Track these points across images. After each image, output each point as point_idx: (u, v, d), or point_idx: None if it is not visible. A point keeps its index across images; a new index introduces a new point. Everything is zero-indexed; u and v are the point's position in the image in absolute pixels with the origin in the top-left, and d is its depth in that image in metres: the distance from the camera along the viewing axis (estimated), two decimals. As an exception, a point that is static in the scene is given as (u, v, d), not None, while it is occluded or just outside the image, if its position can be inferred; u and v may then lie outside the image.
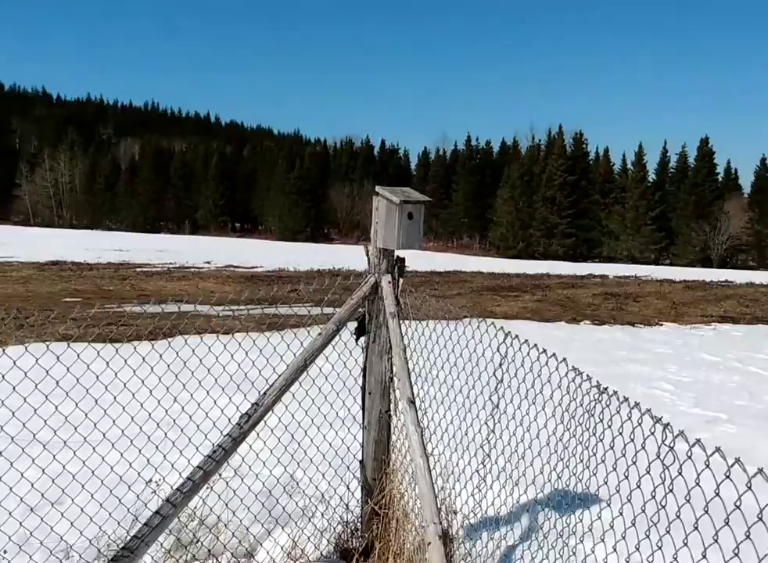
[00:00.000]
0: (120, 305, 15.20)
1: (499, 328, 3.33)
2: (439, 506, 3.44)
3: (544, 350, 2.90)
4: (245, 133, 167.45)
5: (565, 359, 2.75)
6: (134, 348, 3.85)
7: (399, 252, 4.20)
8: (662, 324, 17.10)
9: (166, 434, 3.84)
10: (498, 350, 3.31)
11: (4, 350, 3.46)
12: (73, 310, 13.67)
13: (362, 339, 4.24)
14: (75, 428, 3.85)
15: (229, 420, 3.85)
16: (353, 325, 4.18)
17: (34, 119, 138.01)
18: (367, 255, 4.25)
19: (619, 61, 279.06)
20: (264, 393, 3.84)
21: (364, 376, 4.23)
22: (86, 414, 3.92)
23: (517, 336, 3.17)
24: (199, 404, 4.15)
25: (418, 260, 25.59)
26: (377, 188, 4.15)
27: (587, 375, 2.65)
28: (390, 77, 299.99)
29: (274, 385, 3.86)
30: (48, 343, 5.12)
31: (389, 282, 4.16)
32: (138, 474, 3.91)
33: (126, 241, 58.99)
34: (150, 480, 4.02)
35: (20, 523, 3.90)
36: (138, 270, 25.93)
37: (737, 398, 9.45)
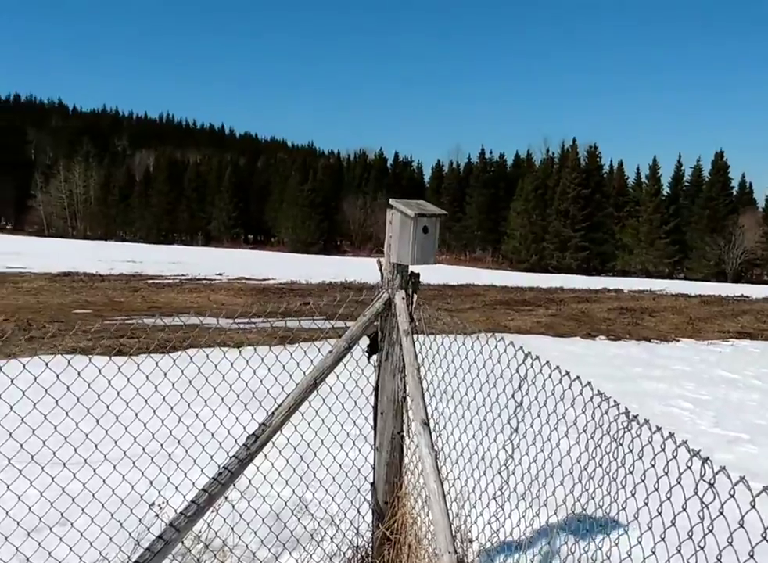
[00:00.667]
0: (131, 317, 15.11)
1: (518, 347, 3.16)
2: (454, 533, 3.27)
3: (567, 373, 2.74)
4: (259, 145, 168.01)
5: (589, 383, 2.59)
6: (138, 365, 3.70)
7: (413, 267, 4.06)
8: (678, 340, 16.86)
9: (170, 455, 3.70)
10: (517, 371, 3.15)
11: None
12: (85, 322, 13.62)
13: (374, 357, 4.09)
14: (75, 449, 3.71)
15: (236, 440, 3.70)
16: (364, 342, 4.03)
17: (49, 130, 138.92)
18: (381, 270, 4.10)
19: (633, 74, 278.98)
20: (272, 413, 3.69)
21: (376, 395, 4.07)
22: (86, 435, 3.78)
23: (537, 357, 3.01)
24: (204, 424, 4.00)
25: (431, 273, 25.44)
26: (391, 201, 4.00)
27: (615, 401, 2.49)
28: (404, 89, 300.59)
29: (283, 404, 3.71)
30: (43, 358, 4.99)
31: (403, 299, 4.00)
32: (141, 496, 3.76)
33: (139, 252, 59.12)
34: (153, 503, 3.87)
35: (16, 548, 3.77)
36: (150, 281, 25.87)
37: (757, 417, 9.23)
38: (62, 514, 3.88)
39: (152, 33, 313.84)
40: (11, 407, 3.33)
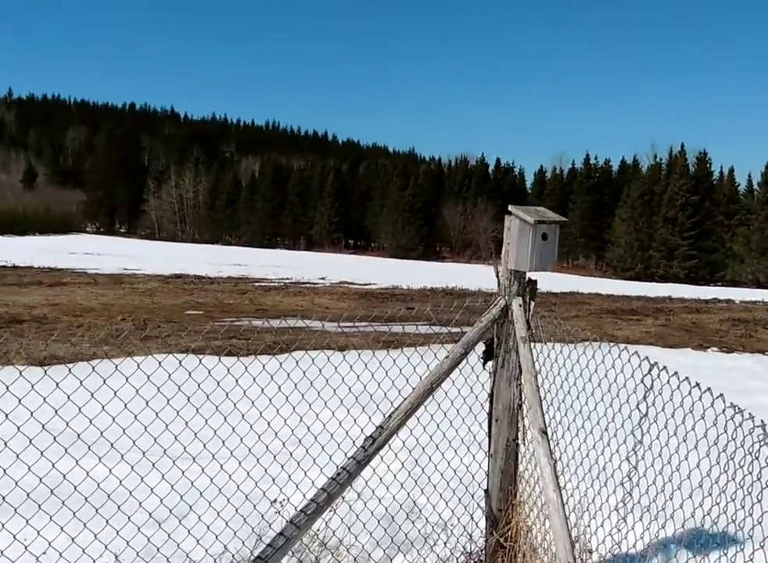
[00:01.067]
0: (239, 318, 15.54)
1: (644, 357, 3.12)
2: (573, 543, 3.25)
3: (697, 384, 2.69)
4: (361, 151, 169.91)
5: (722, 395, 2.53)
6: (263, 365, 3.83)
7: (530, 274, 4.05)
8: (796, 354, 16.10)
9: (291, 453, 3.81)
10: (642, 381, 3.10)
11: (115, 364, 3.52)
12: (197, 323, 14.12)
13: (490, 364, 4.10)
14: (204, 445, 3.86)
15: (353, 441, 3.78)
16: (480, 348, 4.05)
17: (162, 137, 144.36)
18: (497, 276, 4.10)
19: (744, 75, 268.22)
20: (389, 416, 3.75)
21: (491, 402, 4.08)
22: (215, 431, 3.93)
23: (665, 367, 2.96)
24: (324, 425, 4.11)
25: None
26: (510, 208, 4.01)
27: (750, 414, 2.42)
28: (507, 93, 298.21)
29: (400, 408, 3.77)
30: (177, 356, 5.21)
31: (520, 305, 4.00)
32: (264, 493, 3.88)
33: (244, 256, 60.67)
34: (275, 500, 4.00)
35: (148, 539, 3.95)
36: (257, 284, 26.53)
37: None
38: (190, 507, 4.06)
39: (257, 45, 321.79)
40: (147, 403, 3.50)
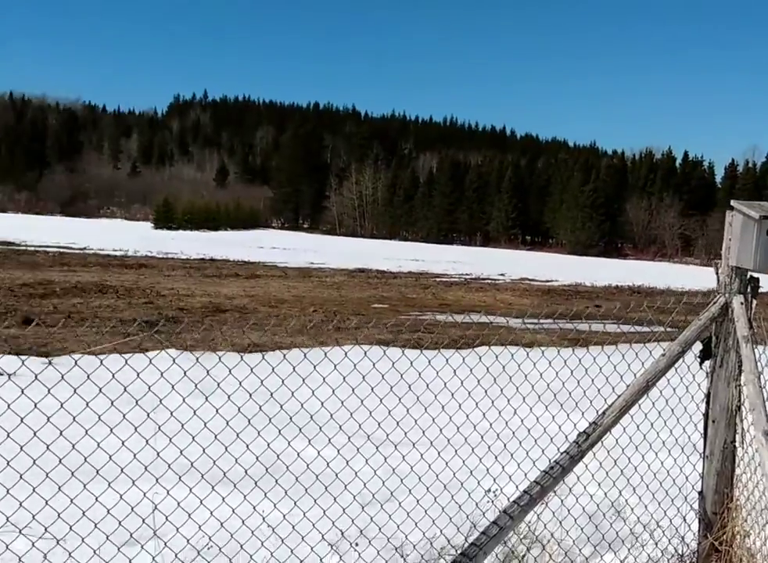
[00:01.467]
0: (423, 313, 15.82)
1: None
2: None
3: None
4: (540, 145, 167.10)
5: None
6: (463, 358, 3.92)
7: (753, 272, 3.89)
8: None
9: (505, 445, 3.87)
10: None
11: (324, 352, 3.70)
12: (383, 316, 14.52)
13: (707, 363, 3.97)
14: (405, 434, 4.01)
15: (566, 437, 3.79)
16: (697, 348, 3.93)
17: (343, 135, 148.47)
18: (717, 273, 3.97)
19: None
20: (603, 413, 3.72)
21: (708, 403, 3.96)
22: (415, 421, 4.07)
23: None
24: (522, 420, 4.15)
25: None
26: (732, 203, 3.87)
27: None
28: (696, 84, 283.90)
29: (614, 405, 3.73)
30: (363, 347, 5.43)
31: (741, 304, 3.85)
32: (479, 482, 3.98)
33: (421, 251, 61.41)
34: (489, 489, 4.08)
35: (352, 520, 4.13)
36: (437, 280, 26.85)
37: None
38: (391, 493, 4.22)
39: (437, 41, 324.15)
40: (352, 390, 3.67)
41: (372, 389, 4.28)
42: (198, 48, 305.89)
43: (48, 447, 3.22)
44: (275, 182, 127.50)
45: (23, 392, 3.07)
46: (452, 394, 4.61)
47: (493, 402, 4.32)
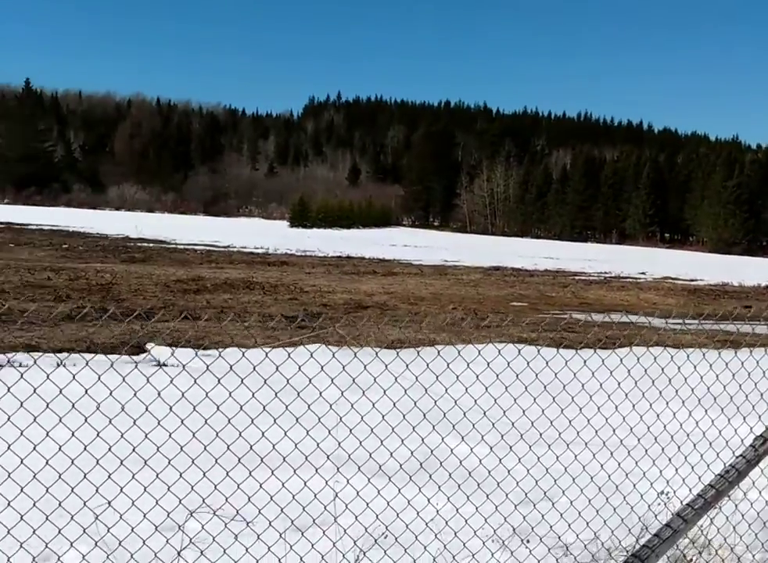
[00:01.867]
0: (564, 311, 15.55)
1: None
2: None
3: None
4: (679, 140, 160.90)
5: None
6: (602, 359, 3.83)
7: None
8: None
9: (679, 448, 3.78)
10: None
11: (478, 350, 3.70)
12: (523, 314, 14.38)
13: None
14: (560, 434, 3.97)
15: (742, 441, 3.66)
16: None
17: (475, 132, 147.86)
18: None
19: None
20: (782, 417, 3.58)
21: None
22: (570, 421, 4.02)
23: None
24: (697, 422, 4.03)
25: None
26: None
27: None
28: None
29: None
30: (517, 346, 5.41)
31: None
32: (651, 484, 3.90)
33: (555, 249, 60.35)
34: (662, 492, 3.99)
35: (504, 518, 4.12)
36: (575, 278, 26.34)
37: None
38: (545, 493, 4.20)
39: (568, 36, 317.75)
40: (506, 388, 3.68)
41: (526, 388, 4.28)
42: (331, 50, 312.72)
43: (240, 434, 3.41)
44: (406, 180, 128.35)
45: (195, 381, 3.25)
46: (608, 396, 4.54)
47: (651, 404, 4.23)
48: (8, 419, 3.09)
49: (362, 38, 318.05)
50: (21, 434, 3.05)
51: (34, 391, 2.95)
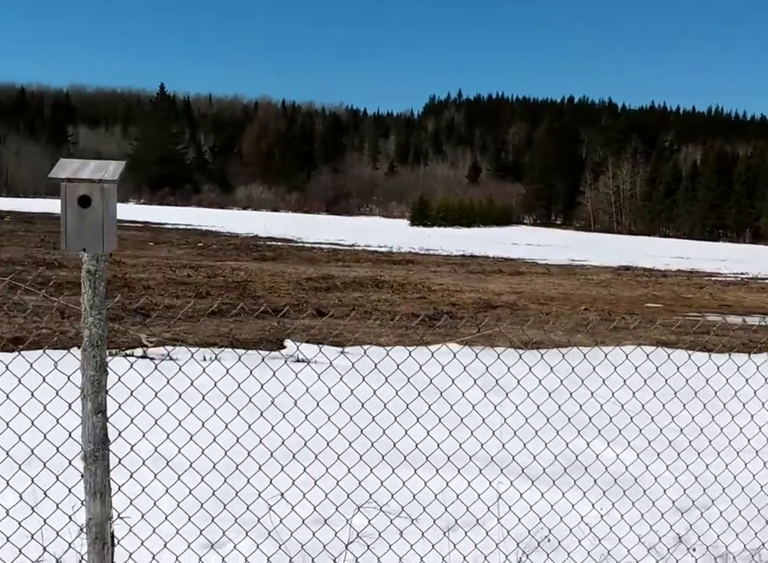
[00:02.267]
0: (701, 313, 15.00)
1: None
2: None
3: None
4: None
5: None
6: (742, 365, 3.66)
7: None
8: None
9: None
10: None
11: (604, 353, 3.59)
12: (658, 316, 13.93)
13: None
14: (710, 442, 3.83)
15: None
16: None
17: (599, 129, 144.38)
18: None
19: None
20: None
21: None
22: (701, 429, 3.87)
23: None
24: None
25: None
26: None
27: None
28: None
29: None
30: (645, 349, 5.25)
31: None
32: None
33: (686, 248, 58.21)
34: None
35: (671, 526, 4.02)
36: (712, 279, 25.36)
37: None
38: (693, 502, 4.08)
39: (695, 26, 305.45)
40: (632, 394, 3.58)
41: (675, 394, 4.18)
42: (452, 49, 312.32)
43: (384, 432, 3.44)
44: (527, 178, 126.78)
45: (341, 378, 3.32)
46: (762, 404, 4.38)
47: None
48: (191, 411, 3.22)
49: (483, 35, 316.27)
50: (180, 424, 3.20)
51: (191, 384, 3.10)
